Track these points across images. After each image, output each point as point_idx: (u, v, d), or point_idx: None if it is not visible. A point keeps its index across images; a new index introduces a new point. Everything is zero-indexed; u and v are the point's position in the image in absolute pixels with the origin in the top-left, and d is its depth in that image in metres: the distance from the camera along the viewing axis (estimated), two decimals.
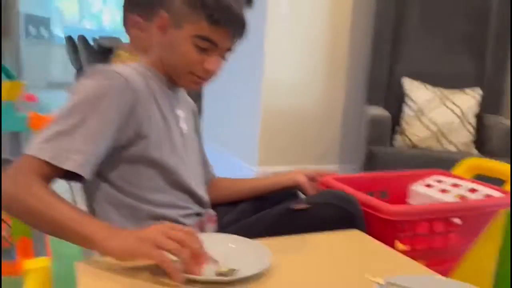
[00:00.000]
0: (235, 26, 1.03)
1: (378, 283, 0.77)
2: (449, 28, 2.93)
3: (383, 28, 2.92)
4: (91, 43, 6.58)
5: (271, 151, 3.03)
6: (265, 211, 1.14)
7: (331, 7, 3.10)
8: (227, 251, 0.87)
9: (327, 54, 3.13)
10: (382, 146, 2.61)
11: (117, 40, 6.69)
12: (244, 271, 0.79)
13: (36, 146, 0.90)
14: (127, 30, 1.44)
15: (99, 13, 10.18)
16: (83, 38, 6.41)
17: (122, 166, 1.02)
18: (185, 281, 0.75)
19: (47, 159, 0.88)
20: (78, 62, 6.68)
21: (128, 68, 1.03)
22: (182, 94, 1.22)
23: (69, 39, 6.90)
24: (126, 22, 1.43)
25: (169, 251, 0.76)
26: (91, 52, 6.28)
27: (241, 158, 3.19)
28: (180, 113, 1.15)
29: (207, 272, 0.79)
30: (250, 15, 1.07)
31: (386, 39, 2.93)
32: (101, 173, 1.00)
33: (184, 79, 1.07)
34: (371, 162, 2.54)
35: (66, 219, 0.84)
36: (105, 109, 0.94)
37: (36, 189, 0.86)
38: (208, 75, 1.06)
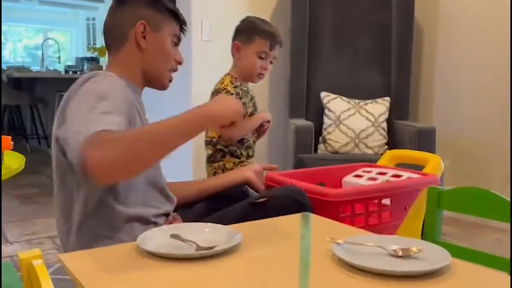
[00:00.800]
0: None
1: (337, 243, 0.90)
2: (358, 45, 3.25)
3: (299, 48, 3.16)
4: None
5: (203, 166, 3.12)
6: (229, 208, 1.26)
7: None
8: (204, 234, 0.96)
9: None
10: (308, 153, 2.81)
11: (27, 70, 6.45)
12: (219, 247, 0.88)
13: (85, 129, 0.88)
14: (233, 54, 1.82)
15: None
16: None
17: None
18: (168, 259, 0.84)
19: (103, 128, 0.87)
20: None
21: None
22: None
23: None
24: (232, 48, 1.81)
25: None
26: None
27: (176, 176, 3.24)
28: (148, 118, 1.25)
29: (187, 250, 0.88)
30: None
31: (302, 58, 3.17)
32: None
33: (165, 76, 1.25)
34: (298, 168, 2.71)
35: (166, 127, 0.91)
36: (118, 103, 1.00)
37: (120, 134, 0.88)
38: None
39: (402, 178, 1.54)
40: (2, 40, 9.74)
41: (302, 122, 2.94)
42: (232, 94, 1.72)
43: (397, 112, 3.12)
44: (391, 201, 1.42)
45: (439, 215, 1.26)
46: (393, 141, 3.01)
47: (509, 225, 1.12)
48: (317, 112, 3.10)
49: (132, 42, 1.19)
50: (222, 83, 1.77)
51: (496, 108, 3.07)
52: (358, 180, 1.62)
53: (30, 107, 6.01)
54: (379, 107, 3.04)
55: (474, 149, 3.20)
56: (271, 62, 1.81)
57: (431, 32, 3.46)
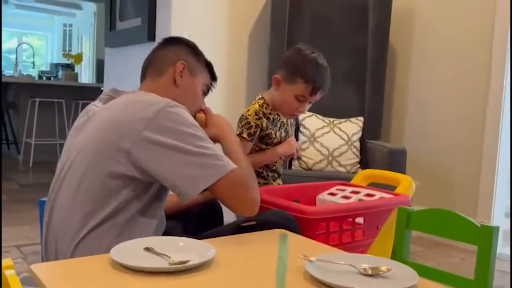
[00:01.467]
0: None
1: (309, 260, 0.92)
2: (334, 66, 3.28)
3: (276, 66, 3.19)
4: None
5: None
6: (216, 229, 1.27)
7: (229, 49, 3.34)
8: (177, 248, 0.97)
9: (227, 90, 3.33)
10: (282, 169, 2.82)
11: (12, 77, 6.32)
12: (193, 262, 0.89)
13: (222, 163, 1.12)
14: (273, 85, 1.74)
15: None
16: None
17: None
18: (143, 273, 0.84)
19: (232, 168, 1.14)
20: None
21: None
22: None
23: None
24: (273, 78, 1.74)
25: None
26: None
27: None
28: None
29: (161, 264, 0.89)
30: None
31: None
32: (148, 186, 1.13)
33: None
34: None
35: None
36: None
37: (250, 170, 1.23)
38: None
39: (374, 197, 1.57)
40: None
41: None
42: (251, 126, 1.69)
43: (370, 132, 3.19)
44: (364, 220, 1.45)
45: (408, 235, 1.30)
46: (365, 160, 3.07)
47: (473, 246, 1.16)
48: None
49: (170, 76, 1.31)
50: (248, 110, 1.73)
51: (464, 132, 3.17)
52: (332, 198, 1.64)
53: (1, 112, 5.88)
54: (353, 127, 3.10)
55: (442, 170, 3.29)
56: (309, 102, 1.71)
57: (404, 56, 3.56)
